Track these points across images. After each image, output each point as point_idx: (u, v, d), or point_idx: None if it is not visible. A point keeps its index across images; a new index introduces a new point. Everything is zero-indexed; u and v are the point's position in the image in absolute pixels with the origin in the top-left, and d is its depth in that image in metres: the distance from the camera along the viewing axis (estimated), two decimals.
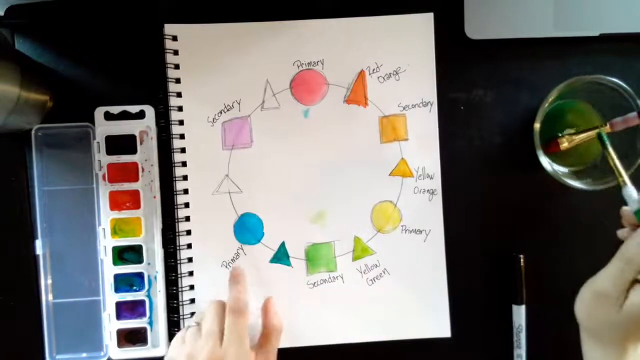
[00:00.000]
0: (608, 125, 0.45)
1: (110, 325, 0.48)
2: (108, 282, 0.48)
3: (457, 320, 0.50)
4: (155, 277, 0.49)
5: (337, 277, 0.50)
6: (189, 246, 0.49)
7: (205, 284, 0.49)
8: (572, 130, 0.47)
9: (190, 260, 0.49)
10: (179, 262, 0.49)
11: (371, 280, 0.50)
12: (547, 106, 0.45)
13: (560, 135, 0.47)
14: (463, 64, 0.50)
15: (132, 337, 0.49)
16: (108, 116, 0.48)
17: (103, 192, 0.48)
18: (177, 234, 0.49)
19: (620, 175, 0.42)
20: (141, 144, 0.49)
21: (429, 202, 0.50)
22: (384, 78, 0.49)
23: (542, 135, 0.46)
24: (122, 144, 0.48)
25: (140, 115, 0.49)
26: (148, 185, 0.49)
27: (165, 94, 0.48)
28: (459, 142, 0.50)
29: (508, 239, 0.50)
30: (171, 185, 0.49)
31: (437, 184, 0.50)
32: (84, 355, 0.49)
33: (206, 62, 0.49)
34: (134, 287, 0.49)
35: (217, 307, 0.45)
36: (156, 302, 0.49)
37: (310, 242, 0.50)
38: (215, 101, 0.49)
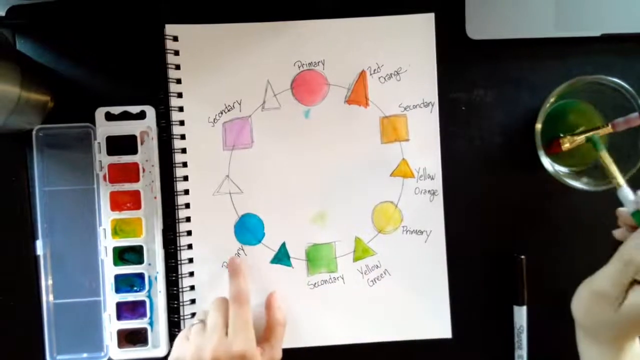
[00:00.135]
0: (610, 126, 0.45)
1: (111, 325, 0.48)
2: (109, 283, 0.48)
3: (458, 321, 0.50)
4: (156, 278, 0.49)
5: (337, 277, 0.50)
6: (190, 247, 0.49)
7: (206, 285, 0.49)
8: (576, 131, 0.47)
9: (190, 260, 0.49)
10: (179, 262, 0.49)
11: (372, 281, 0.50)
12: (548, 106, 0.45)
13: (562, 135, 0.46)
14: (464, 64, 0.50)
15: (132, 338, 0.49)
16: (109, 116, 0.48)
17: (104, 193, 0.48)
18: (177, 234, 0.49)
19: (615, 178, 0.42)
20: (142, 144, 0.49)
21: (429, 202, 0.50)
22: (384, 78, 0.49)
23: (544, 135, 0.45)
24: (122, 145, 0.48)
25: (141, 115, 0.49)
26: (149, 185, 0.49)
27: (166, 95, 0.48)
28: (460, 143, 0.50)
29: (509, 240, 0.50)
30: (172, 185, 0.49)
31: (438, 184, 0.50)
32: (85, 355, 0.49)
33: (207, 63, 0.49)
34: (135, 288, 0.49)
35: (220, 303, 0.46)
36: (157, 303, 0.49)
37: (311, 242, 0.50)
38: (216, 101, 0.49)
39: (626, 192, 0.41)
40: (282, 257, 0.50)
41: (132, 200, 0.48)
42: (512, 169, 0.50)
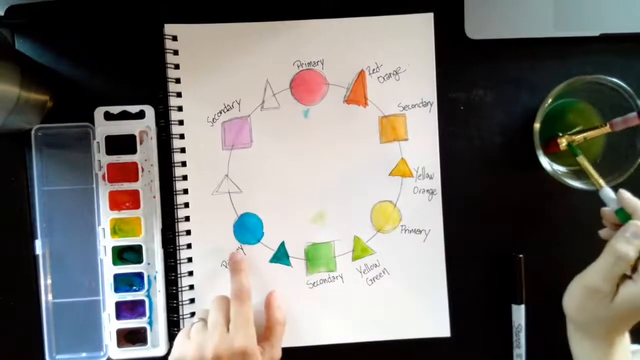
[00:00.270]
0: (608, 125, 0.45)
1: (110, 325, 0.48)
2: (108, 282, 0.48)
3: (457, 320, 0.50)
4: (155, 277, 0.49)
5: (336, 277, 0.50)
6: (189, 246, 0.49)
7: (205, 284, 0.49)
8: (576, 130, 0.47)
9: (190, 260, 0.49)
10: (178, 262, 0.49)
11: (371, 280, 0.50)
12: (547, 106, 0.45)
13: (560, 135, 0.47)
14: (463, 64, 0.50)
15: (131, 337, 0.49)
16: (108, 116, 0.48)
17: (103, 192, 0.48)
18: (176, 233, 0.49)
19: (596, 180, 0.44)
20: (141, 144, 0.49)
21: (428, 202, 0.50)
22: (383, 78, 0.49)
23: (542, 135, 0.46)
24: (122, 144, 0.48)
25: (140, 115, 0.49)
26: (148, 185, 0.49)
27: (165, 94, 0.48)
28: (458, 142, 0.50)
29: (508, 239, 0.50)
30: (171, 185, 0.49)
31: (436, 184, 0.50)
32: (84, 355, 0.49)
33: (206, 62, 0.49)
34: (134, 287, 0.49)
35: (221, 300, 0.46)
36: (156, 302, 0.49)
37: (310, 242, 0.50)
38: (215, 101, 0.49)
39: (608, 192, 0.43)
40: (281, 256, 0.50)
41: (131, 200, 0.48)
42: (511, 169, 0.50)
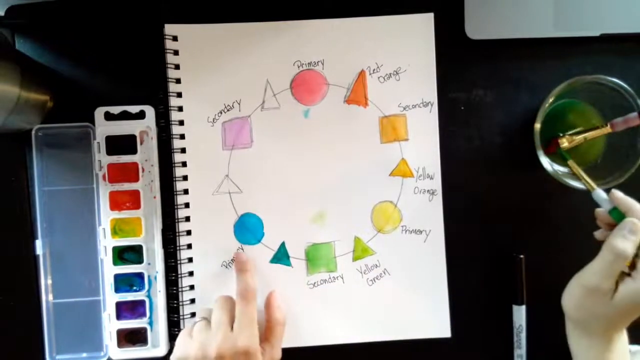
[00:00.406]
0: (608, 126, 0.45)
1: (110, 325, 0.48)
2: (108, 282, 0.48)
3: (457, 321, 0.50)
4: (155, 277, 0.49)
5: (337, 277, 0.50)
6: (189, 246, 0.49)
7: (206, 284, 0.49)
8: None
9: (190, 260, 0.49)
10: (179, 262, 0.49)
11: (371, 280, 0.50)
12: (547, 106, 0.45)
13: (560, 135, 0.46)
14: (463, 64, 0.50)
15: (132, 337, 0.49)
16: (108, 116, 0.48)
17: (103, 192, 0.48)
18: (177, 234, 0.49)
19: (587, 182, 0.44)
20: (141, 144, 0.49)
21: (429, 202, 0.50)
22: (384, 78, 0.49)
23: (543, 135, 0.46)
24: (122, 144, 0.48)
25: (141, 115, 0.49)
26: (148, 185, 0.49)
27: (166, 94, 0.48)
28: (459, 142, 0.50)
29: (508, 239, 0.50)
30: (171, 185, 0.49)
31: (437, 184, 0.50)
32: (84, 355, 0.49)
33: (206, 62, 0.49)
34: (134, 287, 0.49)
35: (225, 300, 0.46)
36: (156, 302, 0.49)
37: (311, 242, 0.50)
38: (215, 101, 0.49)
39: (600, 194, 0.44)
40: (281, 256, 0.50)
41: (132, 200, 0.48)
42: (512, 169, 0.50)
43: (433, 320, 0.50)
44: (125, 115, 0.49)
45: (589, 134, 0.46)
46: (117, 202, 0.48)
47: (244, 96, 0.49)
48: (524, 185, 0.50)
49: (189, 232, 0.49)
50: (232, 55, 0.49)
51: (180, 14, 0.49)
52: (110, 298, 0.49)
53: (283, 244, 0.50)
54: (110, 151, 0.48)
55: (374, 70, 0.49)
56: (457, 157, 0.50)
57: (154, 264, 0.49)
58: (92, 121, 0.48)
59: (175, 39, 0.48)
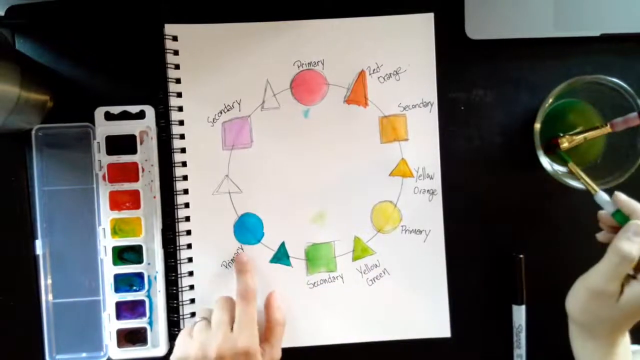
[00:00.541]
0: (608, 126, 0.45)
1: (110, 325, 0.48)
2: (108, 282, 0.48)
3: (457, 320, 0.50)
4: (155, 277, 0.49)
5: (337, 277, 0.50)
6: (189, 246, 0.49)
7: (205, 284, 0.49)
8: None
9: (190, 260, 0.49)
10: (178, 262, 0.49)
11: (371, 280, 0.50)
12: (547, 106, 0.45)
13: (560, 135, 0.46)
14: (463, 64, 0.50)
15: (132, 337, 0.49)
16: (108, 116, 0.48)
17: (103, 192, 0.48)
18: (177, 234, 0.49)
19: (589, 185, 0.44)
20: (141, 144, 0.49)
21: (429, 202, 0.50)
22: (384, 78, 0.49)
23: (543, 135, 0.46)
24: (122, 144, 0.48)
25: (141, 115, 0.49)
26: (148, 185, 0.49)
27: (166, 94, 0.48)
28: (459, 142, 0.50)
29: (508, 239, 0.50)
30: (171, 185, 0.49)
31: (437, 184, 0.50)
32: (84, 355, 0.49)
33: (206, 62, 0.49)
34: (134, 287, 0.49)
35: (225, 301, 0.46)
36: (156, 302, 0.49)
37: (310, 242, 0.50)
38: (215, 101, 0.49)
39: (602, 196, 0.44)
40: (281, 256, 0.50)
41: (132, 200, 0.48)
42: (512, 169, 0.50)
43: (433, 320, 0.50)
44: (125, 115, 0.49)
45: (589, 134, 0.46)
46: (117, 202, 0.48)
47: (244, 96, 0.49)
48: (524, 185, 0.50)
49: (188, 232, 0.49)
50: (232, 55, 0.49)
51: (180, 14, 0.49)
52: (110, 298, 0.49)
53: (283, 244, 0.50)
54: (110, 151, 0.48)
55: (374, 70, 0.49)
56: (457, 157, 0.50)
57: (154, 264, 0.49)
58: (92, 121, 0.48)
59: (175, 39, 0.48)
